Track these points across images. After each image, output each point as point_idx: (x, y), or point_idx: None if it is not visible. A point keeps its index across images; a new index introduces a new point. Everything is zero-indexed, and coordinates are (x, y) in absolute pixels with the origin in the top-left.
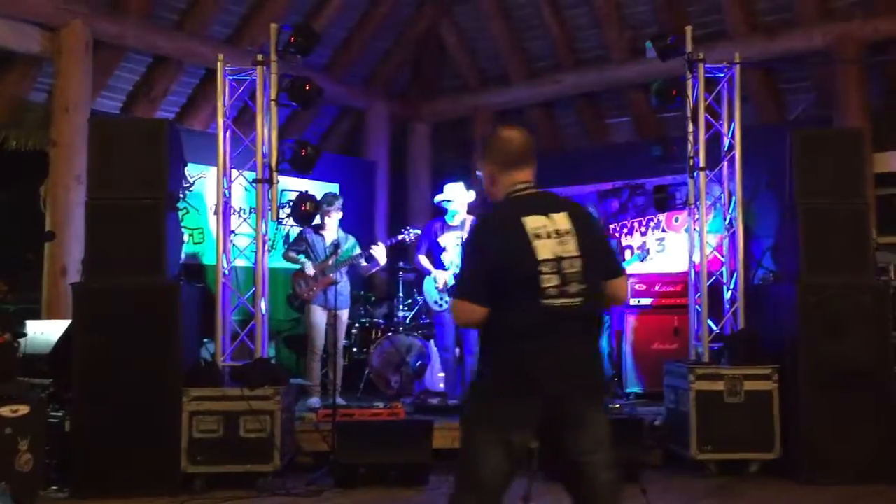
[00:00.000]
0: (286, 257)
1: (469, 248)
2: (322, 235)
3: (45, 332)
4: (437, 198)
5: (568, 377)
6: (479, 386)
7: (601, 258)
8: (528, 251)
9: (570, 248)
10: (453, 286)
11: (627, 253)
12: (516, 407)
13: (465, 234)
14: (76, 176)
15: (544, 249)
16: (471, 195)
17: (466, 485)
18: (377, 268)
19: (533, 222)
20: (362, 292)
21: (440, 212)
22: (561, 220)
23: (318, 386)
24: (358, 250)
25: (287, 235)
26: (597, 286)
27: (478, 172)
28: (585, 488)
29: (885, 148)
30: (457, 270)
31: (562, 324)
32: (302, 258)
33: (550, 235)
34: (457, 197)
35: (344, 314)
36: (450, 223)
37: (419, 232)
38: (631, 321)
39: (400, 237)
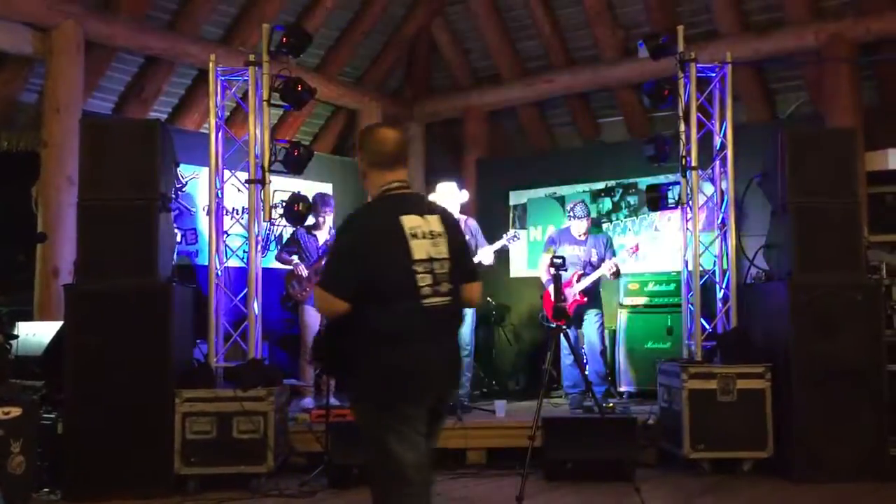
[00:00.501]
0: (279, 259)
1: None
2: (315, 236)
3: (37, 333)
4: (430, 197)
5: (446, 374)
6: (370, 390)
7: (464, 262)
8: (405, 250)
9: (442, 249)
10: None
11: (623, 252)
12: (413, 405)
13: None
14: (68, 177)
15: (420, 249)
16: (464, 195)
17: (395, 486)
18: None
19: (410, 222)
20: None
21: None
22: (434, 222)
23: (312, 386)
24: None
25: (280, 236)
26: (459, 287)
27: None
28: None
29: (876, 146)
30: None
31: (436, 322)
32: (295, 259)
33: (425, 236)
34: (448, 197)
35: None
36: None
37: None
38: (624, 320)
39: None
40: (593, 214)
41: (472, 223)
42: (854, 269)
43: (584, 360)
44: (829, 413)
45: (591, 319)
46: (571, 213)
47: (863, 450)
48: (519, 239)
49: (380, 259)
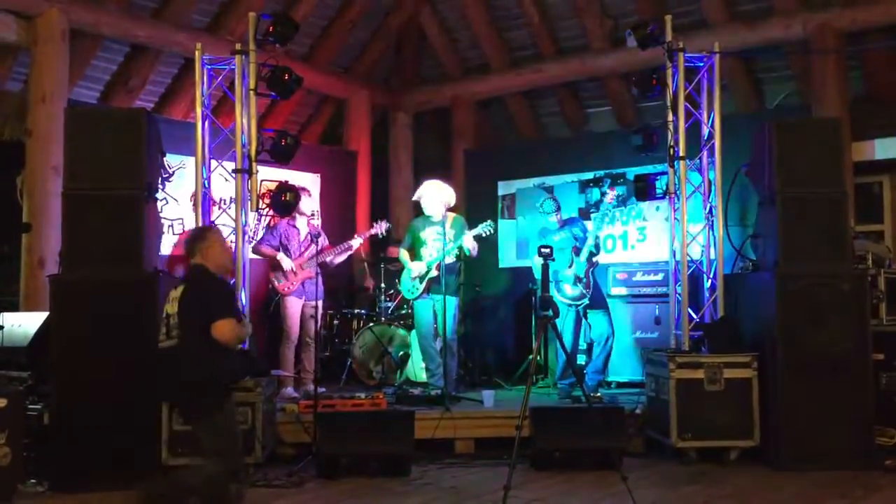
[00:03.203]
0: (259, 251)
1: None
2: (297, 228)
3: (22, 324)
4: (414, 196)
5: (167, 391)
6: None
7: (195, 314)
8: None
9: (175, 309)
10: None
11: (609, 242)
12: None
13: (441, 230)
14: (53, 166)
15: (165, 309)
16: (446, 191)
17: None
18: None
19: (172, 292)
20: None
21: None
22: (179, 291)
23: (293, 376)
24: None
25: (268, 226)
26: (190, 335)
27: None
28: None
29: (863, 137)
30: (431, 266)
31: (162, 357)
32: (278, 252)
33: (171, 300)
34: (427, 194)
35: (320, 304)
36: (430, 219)
37: (390, 225)
38: (612, 310)
39: (372, 231)
40: (581, 205)
41: (458, 221)
42: (840, 258)
43: (571, 350)
44: (815, 402)
45: (600, 313)
46: (541, 210)
47: (848, 438)
48: (492, 230)
49: None
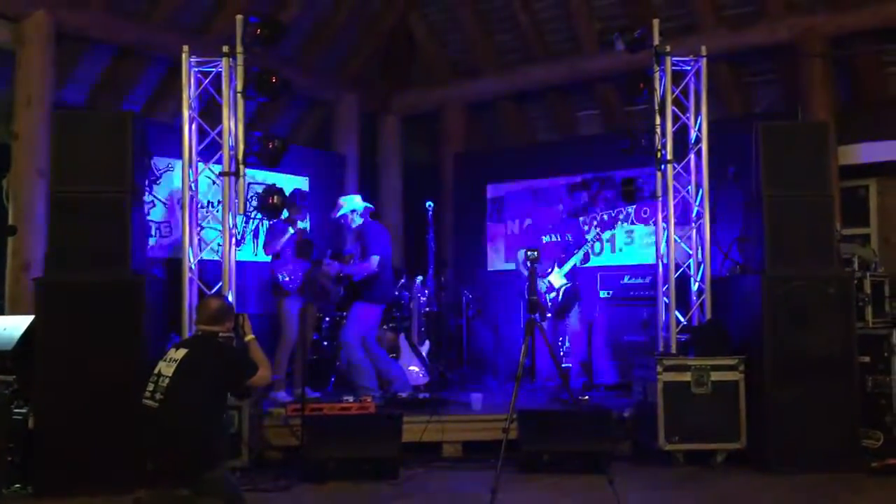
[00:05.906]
0: (271, 250)
1: None
2: (294, 231)
3: (7, 327)
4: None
5: (154, 460)
6: None
7: (204, 380)
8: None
9: (170, 370)
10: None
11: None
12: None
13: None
14: (39, 169)
15: (158, 367)
16: (350, 203)
17: None
18: None
19: (171, 351)
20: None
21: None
22: (179, 353)
23: (285, 379)
24: None
25: (256, 229)
26: (181, 399)
27: None
28: None
29: (849, 140)
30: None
31: (145, 416)
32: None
33: (168, 360)
34: (341, 208)
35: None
36: None
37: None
38: (600, 313)
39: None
40: (569, 208)
41: (369, 229)
42: (827, 261)
43: (561, 353)
44: (802, 404)
45: (574, 311)
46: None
47: (835, 441)
48: None
49: None
